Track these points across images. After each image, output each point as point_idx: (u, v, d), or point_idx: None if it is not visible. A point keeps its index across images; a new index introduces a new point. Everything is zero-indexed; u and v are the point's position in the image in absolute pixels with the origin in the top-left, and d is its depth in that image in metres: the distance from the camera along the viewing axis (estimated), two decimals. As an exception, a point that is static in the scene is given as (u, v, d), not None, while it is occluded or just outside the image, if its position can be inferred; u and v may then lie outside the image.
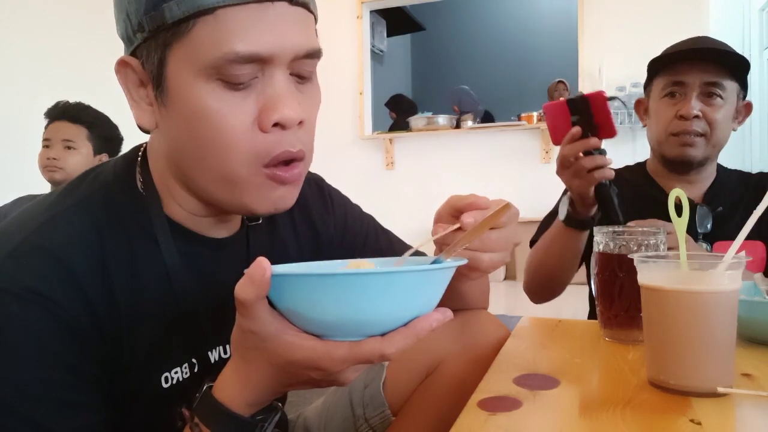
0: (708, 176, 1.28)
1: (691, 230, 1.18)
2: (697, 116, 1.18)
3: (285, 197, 0.60)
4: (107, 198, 0.61)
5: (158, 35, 0.55)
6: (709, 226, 1.19)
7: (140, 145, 0.68)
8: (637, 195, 1.25)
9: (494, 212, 0.53)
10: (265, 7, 0.54)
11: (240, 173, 0.57)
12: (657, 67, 1.24)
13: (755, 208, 0.58)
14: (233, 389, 0.52)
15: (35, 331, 0.52)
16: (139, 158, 0.65)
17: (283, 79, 0.56)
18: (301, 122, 0.57)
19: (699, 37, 1.27)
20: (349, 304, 0.46)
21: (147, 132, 0.66)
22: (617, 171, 1.36)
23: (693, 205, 1.21)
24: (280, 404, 0.56)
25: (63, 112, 1.95)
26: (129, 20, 0.57)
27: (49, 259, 0.54)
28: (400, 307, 0.47)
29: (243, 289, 0.46)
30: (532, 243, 1.34)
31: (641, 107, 1.33)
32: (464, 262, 0.55)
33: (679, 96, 1.21)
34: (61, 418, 0.53)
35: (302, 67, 0.58)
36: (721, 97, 1.18)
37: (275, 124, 0.56)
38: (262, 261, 0.46)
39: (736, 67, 1.20)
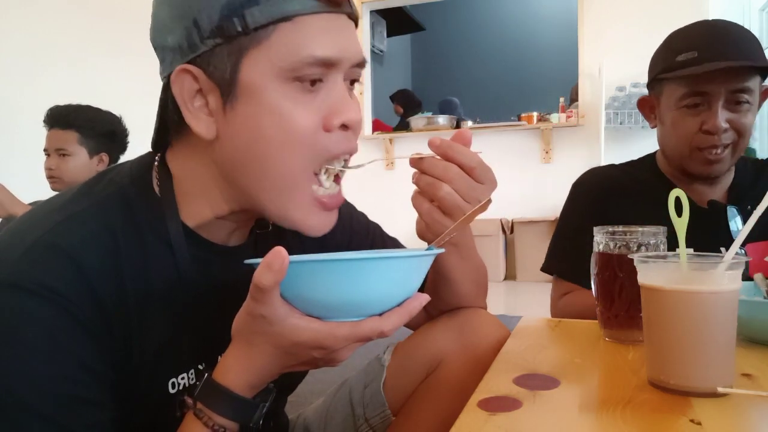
0: (729, 174, 1.18)
1: (725, 234, 1.09)
2: (725, 129, 1.06)
3: (325, 223, 0.64)
4: (123, 201, 0.62)
5: (233, 41, 0.56)
6: (739, 226, 1.10)
7: (156, 150, 0.68)
8: (648, 193, 1.15)
9: (477, 207, 0.62)
10: (334, 17, 0.59)
11: (295, 172, 0.60)
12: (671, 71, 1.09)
13: None
14: (236, 373, 0.56)
15: (50, 327, 0.52)
16: (156, 163, 0.66)
17: (343, 83, 0.61)
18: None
19: (714, 27, 1.10)
20: (355, 286, 0.51)
21: (163, 145, 0.67)
22: (621, 167, 1.28)
23: (722, 207, 1.13)
24: (274, 387, 0.60)
25: (54, 119, 1.96)
26: (197, 27, 0.57)
27: (64, 258, 0.55)
28: (398, 288, 0.54)
29: (262, 275, 0.49)
30: (546, 270, 1.25)
31: (647, 105, 1.21)
32: (442, 251, 0.61)
33: (703, 107, 1.07)
34: (74, 415, 0.53)
35: (354, 74, 0.63)
36: (748, 102, 1.06)
37: (341, 125, 0.60)
38: (280, 250, 0.49)
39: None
